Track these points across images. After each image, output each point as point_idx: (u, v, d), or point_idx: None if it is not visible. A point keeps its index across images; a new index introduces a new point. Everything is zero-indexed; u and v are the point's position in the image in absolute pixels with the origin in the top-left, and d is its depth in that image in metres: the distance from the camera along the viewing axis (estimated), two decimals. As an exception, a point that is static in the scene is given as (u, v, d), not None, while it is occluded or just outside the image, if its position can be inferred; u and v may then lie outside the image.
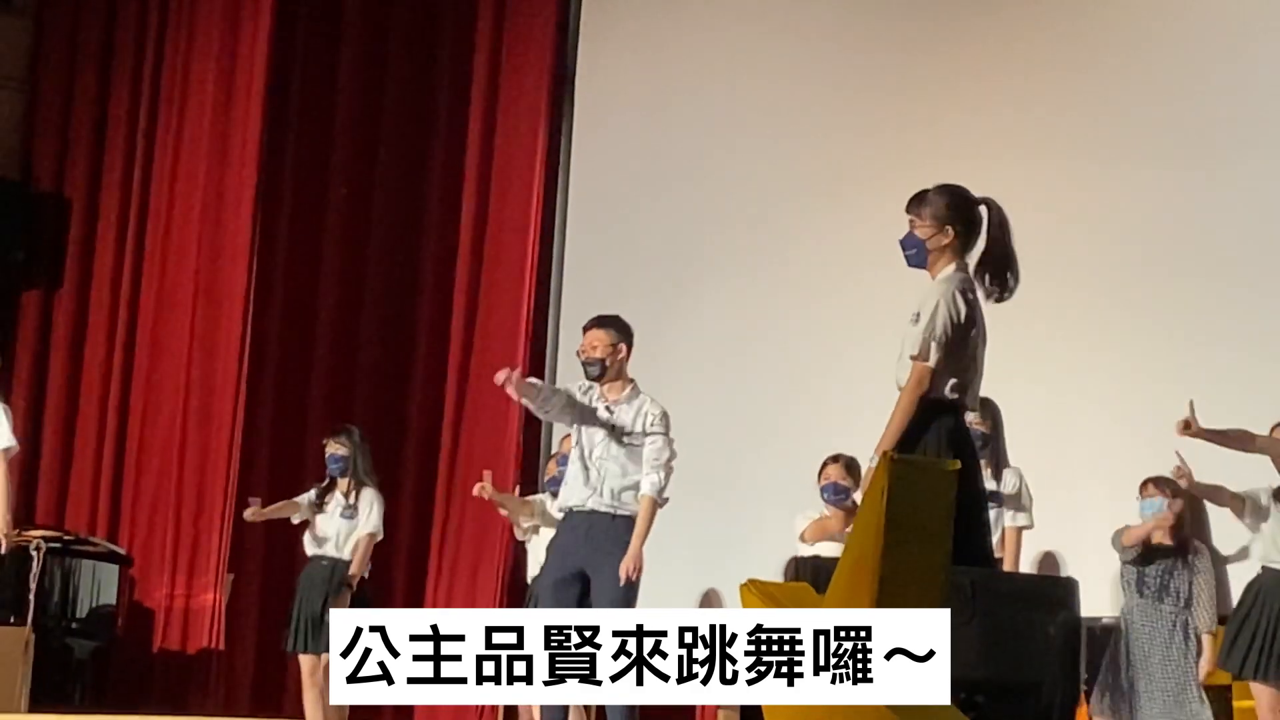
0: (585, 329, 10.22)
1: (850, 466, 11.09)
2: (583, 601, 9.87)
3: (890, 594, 6.39)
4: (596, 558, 9.81)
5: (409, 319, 14.70)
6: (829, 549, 10.39)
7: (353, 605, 11.84)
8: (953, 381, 8.14)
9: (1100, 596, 11.24)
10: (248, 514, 12.20)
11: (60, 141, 15.80)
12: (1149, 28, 11.88)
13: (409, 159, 14.80)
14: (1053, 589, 8.54)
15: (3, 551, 11.20)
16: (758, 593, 7.03)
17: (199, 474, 14.54)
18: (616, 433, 9.96)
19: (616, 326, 10.14)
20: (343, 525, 12.03)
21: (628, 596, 9.83)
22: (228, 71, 14.96)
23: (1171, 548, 10.93)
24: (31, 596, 12.38)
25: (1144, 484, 11.03)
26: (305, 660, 12.04)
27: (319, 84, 15.01)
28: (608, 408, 10.02)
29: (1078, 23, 12.14)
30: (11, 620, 12.49)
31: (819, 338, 12.44)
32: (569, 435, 11.11)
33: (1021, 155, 11.97)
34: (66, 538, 13.60)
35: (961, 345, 8.11)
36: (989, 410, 10.69)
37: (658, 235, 13.75)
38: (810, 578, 7.60)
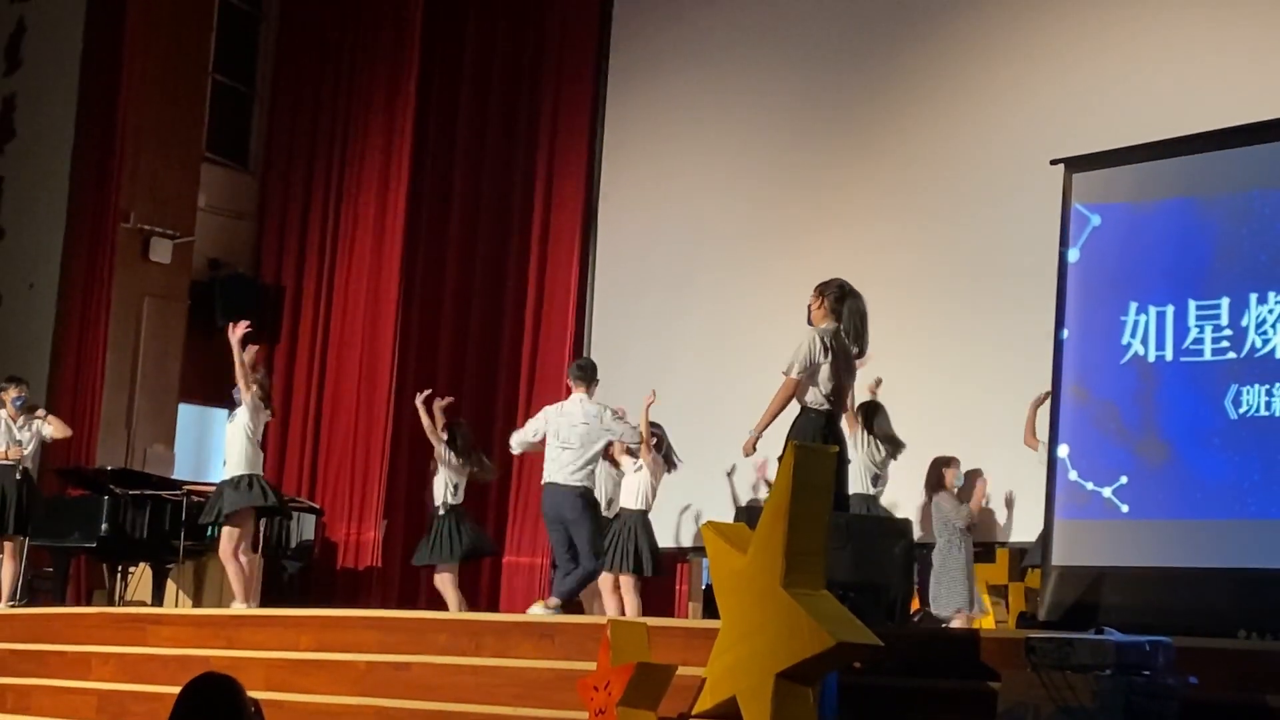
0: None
1: None
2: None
3: (794, 529, 6.41)
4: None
5: (496, 346, 14.65)
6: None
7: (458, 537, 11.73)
8: (819, 393, 8.15)
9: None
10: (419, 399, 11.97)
11: (278, 252, 15.77)
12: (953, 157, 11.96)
13: (496, 253, 14.80)
14: (896, 525, 8.59)
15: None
16: (713, 529, 7.04)
17: (365, 457, 14.55)
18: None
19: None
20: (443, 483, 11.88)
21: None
22: (380, 206, 15.02)
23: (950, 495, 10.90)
24: (262, 533, 12.38)
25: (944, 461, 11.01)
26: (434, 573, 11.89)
27: (437, 216, 15.01)
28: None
29: (918, 149, 12.22)
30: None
31: (773, 348, 12.20)
32: None
33: (898, 218, 12.05)
34: (283, 497, 13.62)
35: (817, 370, 8.14)
36: (866, 408, 10.68)
37: (662, 279, 13.63)
38: (746, 520, 7.61)
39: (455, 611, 11.32)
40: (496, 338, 14.67)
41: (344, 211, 15.37)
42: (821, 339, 8.19)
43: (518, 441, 10.38)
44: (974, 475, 10.93)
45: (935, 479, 10.88)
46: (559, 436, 10.05)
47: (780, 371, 8.18)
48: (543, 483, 10.09)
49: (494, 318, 14.72)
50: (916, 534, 9.83)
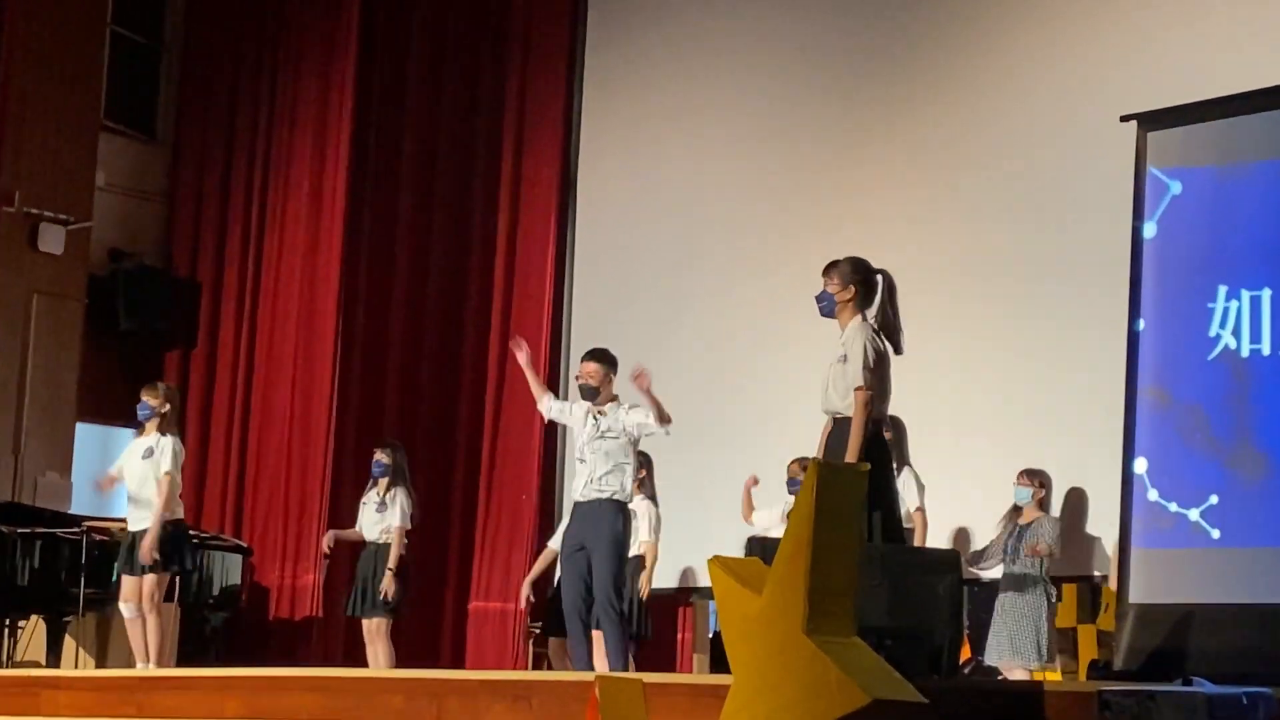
0: (582, 359, 10.25)
1: (806, 466, 11.08)
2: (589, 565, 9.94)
3: (819, 565, 6.39)
4: (591, 536, 9.86)
5: (456, 357, 14.68)
6: (777, 530, 10.37)
7: (396, 581, 11.89)
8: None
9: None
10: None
11: (193, 239, 15.76)
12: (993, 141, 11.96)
13: (455, 238, 14.83)
14: (942, 559, 8.55)
15: (146, 564, 11.15)
16: (721, 565, 7.02)
17: (301, 484, 14.54)
18: (602, 434, 9.93)
19: (605, 359, 10.14)
20: (375, 517, 12.02)
21: (615, 566, 9.90)
22: (316, 183, 15.00)
23: (1029, 524, 10.92)
24: (177, 581, 12.34)
25: (1019, 474, 11.02)
26: (365, 622, 12.01)
27: (385, 194, 15.01)
28: (596, 415, 10.00)
29: (947, 134, 12.22)
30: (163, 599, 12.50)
31: (783, 354, 12.29)
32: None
33: (921, 214, 12.06)
34: (203, 535, 13.58)
35: (880, 374, 8.18)
36: (892, 424, 10.68)
37: (646, 277, 13.67)
38: (760, 553, 7.60)
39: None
40: (458, 343, 14.67)
41: (272, 191, 15.35)
42: (877, 334, 8.20)
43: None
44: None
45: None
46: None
47: (852, 387, 8.14)
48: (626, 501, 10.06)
49: (454, 320, 14.72)
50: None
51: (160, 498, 11.00)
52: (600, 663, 10.26)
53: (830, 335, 8.53)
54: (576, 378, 10.22)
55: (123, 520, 11.60)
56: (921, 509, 10.89)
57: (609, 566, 9.83)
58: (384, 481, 12.07)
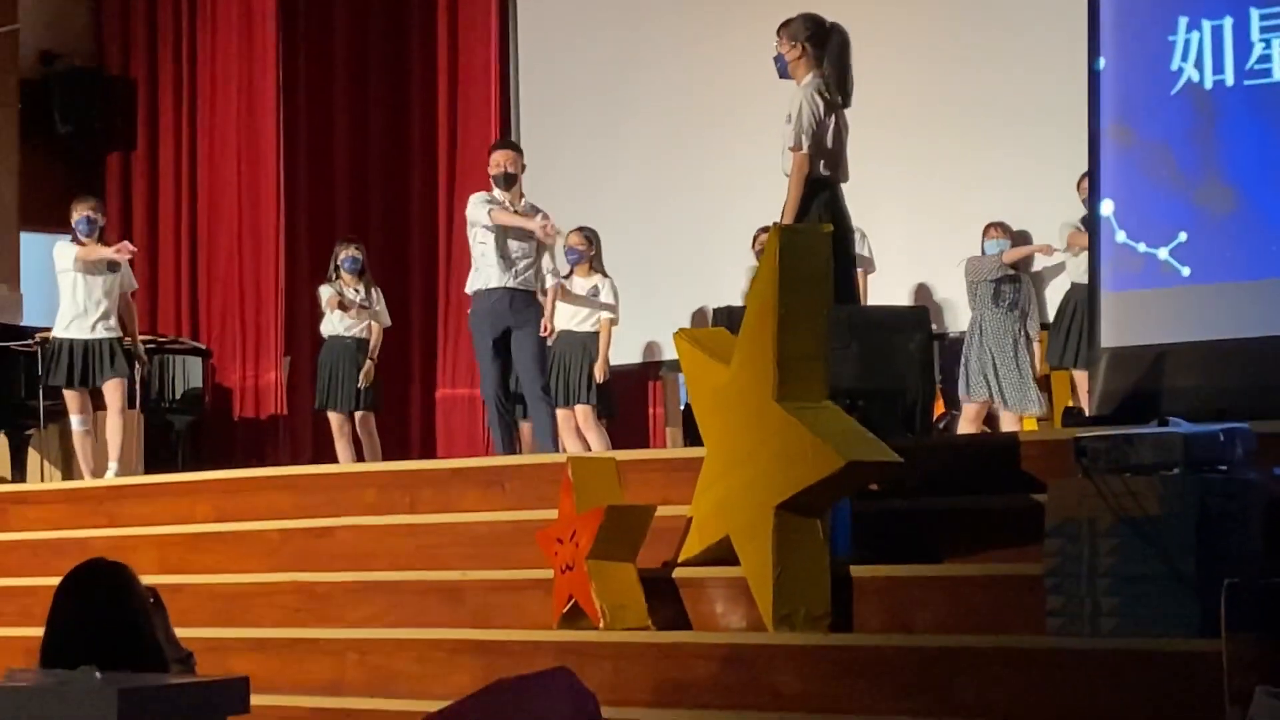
0: (494, 149, 10.43)
1: None
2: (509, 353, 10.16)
3: (787, 329, 6.43)
4: (518, 321, 10.03)
5: (405, 149, 14.60)
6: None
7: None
8: (823, 162, 8.25)
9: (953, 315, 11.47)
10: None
11: (124, 35, 15.54)
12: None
13: (395, 30, 14.67)
14: (910, 316, 8.64)
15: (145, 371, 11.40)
16: (687, 338, 7.08)
17: (255, 282, 14.51)
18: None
19: (518, 149, 10.48)
20: (361, 311, 12.12)
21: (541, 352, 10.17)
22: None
23: (1013, 275, 11.12)
24: (137, 387, 12.37)
25: (987, 228, 11.14)
26: (334, 417, 12.16)
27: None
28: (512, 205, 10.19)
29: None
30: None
31: (738, 128, 12.23)
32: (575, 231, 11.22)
33: None
34: (160, 339, 13.60)
35: (824, 133, 8.23)
36: None
37: (595, 54, 13.60)
38: (726, 323, 7.65)
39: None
40: (406, 135, 14.61)
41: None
42: (819, 94, 8.22)
43: None
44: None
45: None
46: None
47: (787, 148, 8.20)
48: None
49: (401, 112, 14.64)
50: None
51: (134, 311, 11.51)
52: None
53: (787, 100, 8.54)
54: (494, 167, 10.35)
55: None
56: (866, 259, 11.07)
57: (536, 352, 10.09)
58: (358, 277, 12.17)
